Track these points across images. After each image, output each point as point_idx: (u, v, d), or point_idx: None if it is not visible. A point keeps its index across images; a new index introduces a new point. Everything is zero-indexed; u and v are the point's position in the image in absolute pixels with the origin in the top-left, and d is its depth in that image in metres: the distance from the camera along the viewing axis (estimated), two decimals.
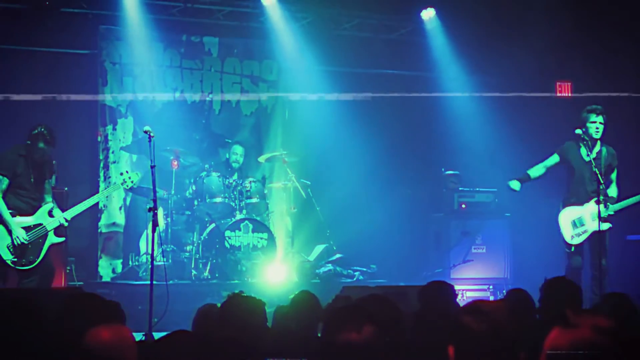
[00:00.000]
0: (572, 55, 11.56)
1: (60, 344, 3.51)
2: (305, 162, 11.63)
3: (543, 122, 11.59)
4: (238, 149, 11.35)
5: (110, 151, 11.42)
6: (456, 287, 5.25)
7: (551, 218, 9.20)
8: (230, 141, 11.72)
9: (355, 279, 10.79)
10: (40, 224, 8.23)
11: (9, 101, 10.60)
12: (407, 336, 4.31)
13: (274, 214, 11.33)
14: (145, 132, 8.00)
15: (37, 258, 8.15)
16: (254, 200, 10.82)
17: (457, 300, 5.05)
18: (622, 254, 9.98)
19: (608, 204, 8.79)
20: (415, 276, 10.73)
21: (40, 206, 8.30)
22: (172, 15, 11.69)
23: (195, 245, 10.49)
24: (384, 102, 12.43)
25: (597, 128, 8.87)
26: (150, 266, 7.77)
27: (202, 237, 10.52)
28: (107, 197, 10.63)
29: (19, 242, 8.04)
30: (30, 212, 8.24)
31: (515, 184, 9.21)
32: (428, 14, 12.29)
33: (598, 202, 8.60)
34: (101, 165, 11.38)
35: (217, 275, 10.29)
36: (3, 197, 8.11)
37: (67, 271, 9.85)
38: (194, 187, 10.67)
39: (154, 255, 7.94)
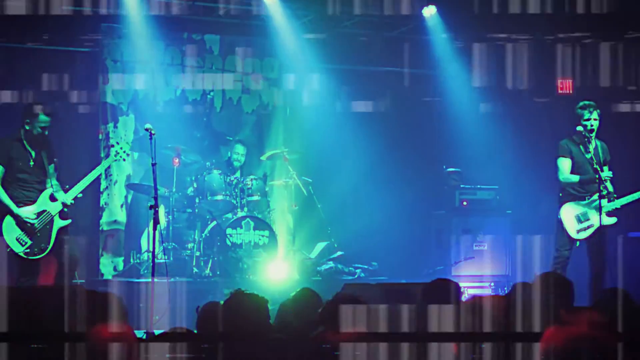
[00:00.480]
0: (574, 52, 11.54)
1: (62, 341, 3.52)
2: (306, 160, 11.64)
3: (545, 119, 11.58)
4: (240, 149, 11.34)
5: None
6: None
7: (552, 215, 9.19)
8: (231, 139, 11.72)
9: (356, 276, 10.79)
10: (44, 211, 8.16)
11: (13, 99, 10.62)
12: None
13: (275, 212, 11.35)
14: (147, 129, 8.02)
15: (48, 245, 8.11)
16: (255, 197, 10.83)
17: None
18: (623, 251, 9.96)
19: (613, 197, 8.81)
20: (416, 273, 10.75)
21: (45, 189, 8.23)
22: (174, 13, 11.68)
23: (196, 242, 10.49)
24: (385, 100, 12.42)
25: (592, 125, 8.87)
26: (151, 264, 7.78)
27: (203, 235, 10.53)
28: (106, 191, 10.57)
29: (30, 224, 7.98)
30: (35, 200, 8.13)
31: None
32: (429, 11, 12.27)
33: (601, 197, 8.60)
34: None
35: (218, 273, 10.30)
36: (4, 189, 8.02)
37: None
38: (195, 185, 10.67)
39: (155, 253, 7.94)
